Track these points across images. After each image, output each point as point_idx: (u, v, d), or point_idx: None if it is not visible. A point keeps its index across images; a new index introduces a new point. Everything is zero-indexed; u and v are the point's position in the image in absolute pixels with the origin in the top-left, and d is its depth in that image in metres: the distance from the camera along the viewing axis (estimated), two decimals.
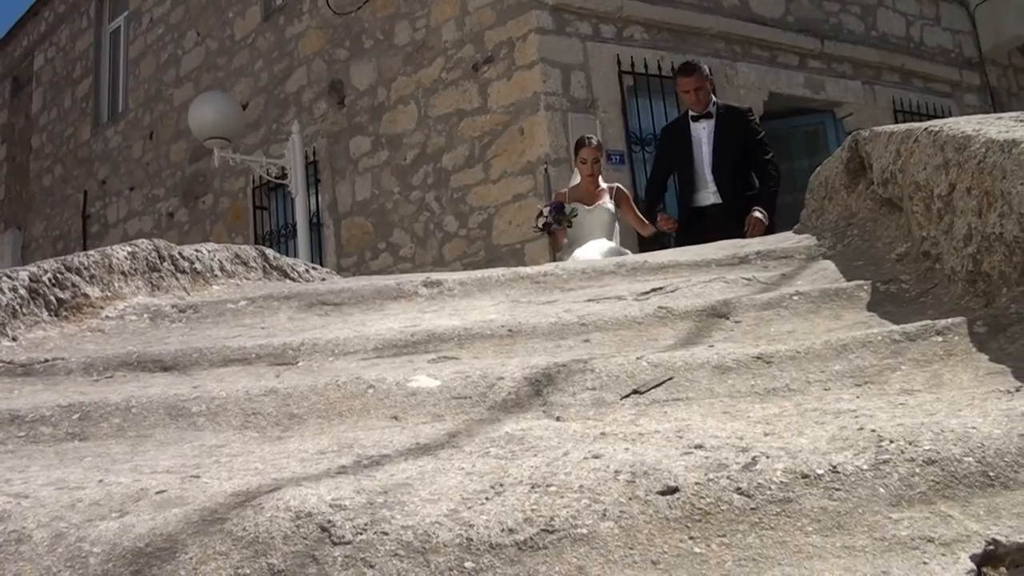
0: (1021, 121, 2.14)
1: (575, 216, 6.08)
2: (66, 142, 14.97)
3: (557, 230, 6.08)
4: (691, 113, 5.96)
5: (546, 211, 6.15)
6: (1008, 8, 10.88)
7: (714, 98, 6.03)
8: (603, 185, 6.24)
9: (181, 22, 12.34)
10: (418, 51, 8.76)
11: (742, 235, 5.46)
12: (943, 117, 10.08)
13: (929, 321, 1.76)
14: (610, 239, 6.08)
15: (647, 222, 6.12)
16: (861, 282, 2.30)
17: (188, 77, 12.09)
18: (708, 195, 5.88)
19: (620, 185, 6.39)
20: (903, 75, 10.29)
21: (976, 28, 11.21)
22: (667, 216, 5.97)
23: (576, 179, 6.31)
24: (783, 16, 9.39)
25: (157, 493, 1.24)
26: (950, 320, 1.71)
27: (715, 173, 5.83)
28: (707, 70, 6.04)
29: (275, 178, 9.42)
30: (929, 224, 2.27)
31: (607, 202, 6.13)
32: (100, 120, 14.26)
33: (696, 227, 5.77)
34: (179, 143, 11.98)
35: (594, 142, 6.21)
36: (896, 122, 9.67)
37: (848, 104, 9.74)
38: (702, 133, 5.93)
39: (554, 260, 6.12)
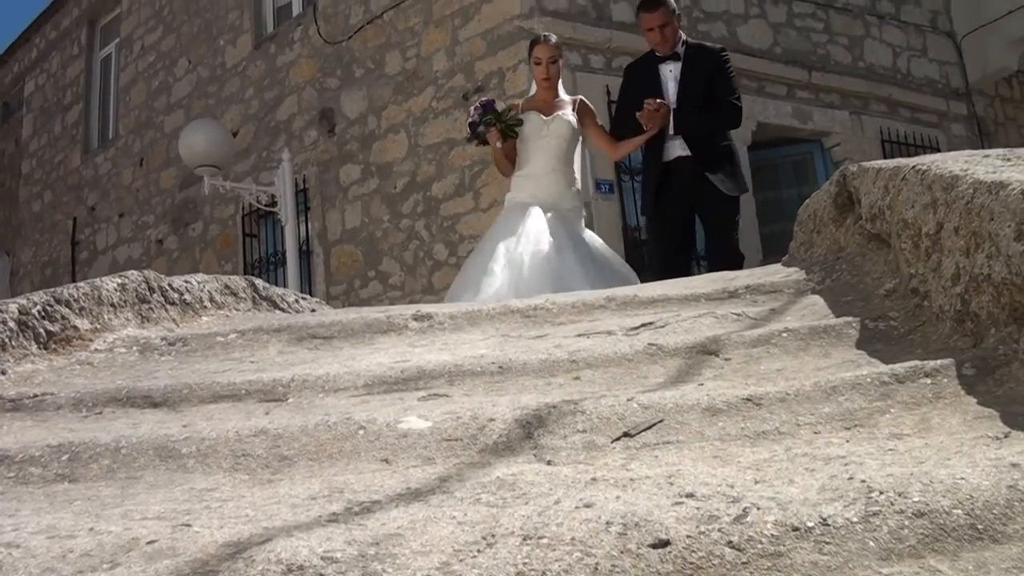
0: (1008, 160, 2.15)
1: (516, 122, 5.12)
2: (56, 168, 14.96)
3: (490, 134, 5.09)
4: (657, 53, 5.28)
5: (473, 111, 5.19)
6: (994, 39, 10.99)
7: (683, 36, 5.37)
8: (564, 96, 5.35)
9: (172, 50, 12.37)
10: (408, 80, 8.80)
11: (711, 192, 5.01)
12: (930, 147, 10.18)
13: (918, 362, 1.76)
14: (570, 161, 5.27)
15: (617, 142, 5.36)
16: (850, 319, 2.31)
17: (179, 104, 12.11)
18: (675, 147, 5.21)
19: (584, 98, 5.47)
20: (890, 105, 10.37)
21: (962, 59, 11.32)
22: (653, 103, 5.00)
23: (533, 89, 5.42)
24: (771, 47, 9.48)
25: (148, 543, 1.23)
26: (939, 362, 1.72)
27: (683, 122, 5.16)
28: (674, 5, 5.27)
29: (265, 206, 9.43)
30: (917, 262, 2.29)
31: (568, 113, 5.21)
32: (90, 146, 14.27)
33: (665, 188, 5.22)
34: (169, 170, 11.99)
35: (552, 39, 5.30)
36: (884, 152, 9.76)
37: (836, 134, 9.82)
38: (668, 76, 5.24)
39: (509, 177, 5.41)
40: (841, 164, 9.20)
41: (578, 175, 5.45)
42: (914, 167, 2.36)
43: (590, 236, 5.45)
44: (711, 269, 5.03)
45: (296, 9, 10.87)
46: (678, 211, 5.32)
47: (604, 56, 8.12)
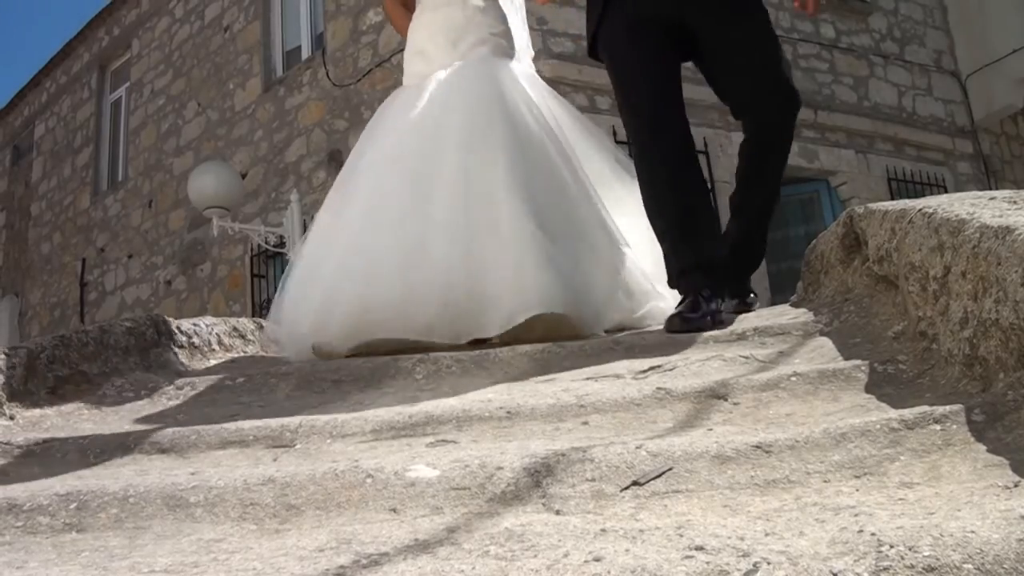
0: (1015, 203, 2.16)
1: None
2: (65, 210, 15.08)
3: None
4: None
5: None
6: (999, 78, 11.06)
7: None
8: None
9: (182, 93, 12.50)
10: None
11: None
12: (937, 185, 10.22)
13: (927, 407, 1.76)
14: None
15: None
16: (858, 362, 2.30)
17: (188, 147, 12.22)
18: None
19: None
20: (896, 144, 10.42)
21: (968, 98, 11.38)
22: None
23: None
24: None
25: None
26: (948, 408, 1.72)
27: None
28: None
29: (273, 247, 9.47)
30: (925, 304, 2.29)
31: None
32: (100, 188, 14.38)
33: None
34: (178, 211, 12.07)
35: None
36: (890, 190, 9.80)
37: (842, 173, 9.86)
38: None
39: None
40: (848, 203, 9.27)
41: (518, 29, 3.98)
42: (920, 210, 2.36)
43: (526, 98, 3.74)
44: (753, 155, 3.63)
45: (305, 53, 10.98)
46: (661, 33, 3.52)
47: (610, 98, 8.17)
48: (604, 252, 3.60)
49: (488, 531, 1.40)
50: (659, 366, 2.68)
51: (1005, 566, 1.04)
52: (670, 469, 1.60)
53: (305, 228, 9.32)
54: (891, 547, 1.09)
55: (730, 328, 3.08)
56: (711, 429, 1.96)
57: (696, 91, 8.73)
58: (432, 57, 3.82)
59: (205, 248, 11.41)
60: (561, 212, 3.53)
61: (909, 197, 7.20)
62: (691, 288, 3.31)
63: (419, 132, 3.62)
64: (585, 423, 2.13)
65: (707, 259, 3.37)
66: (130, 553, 1.49)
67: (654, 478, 1.58)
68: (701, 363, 2.65)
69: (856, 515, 1.30)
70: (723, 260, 3.47)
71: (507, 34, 3.90)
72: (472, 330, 3.29)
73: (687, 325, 3.13)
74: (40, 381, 2.94)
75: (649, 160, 3.51)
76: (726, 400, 2.17)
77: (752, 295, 3.76)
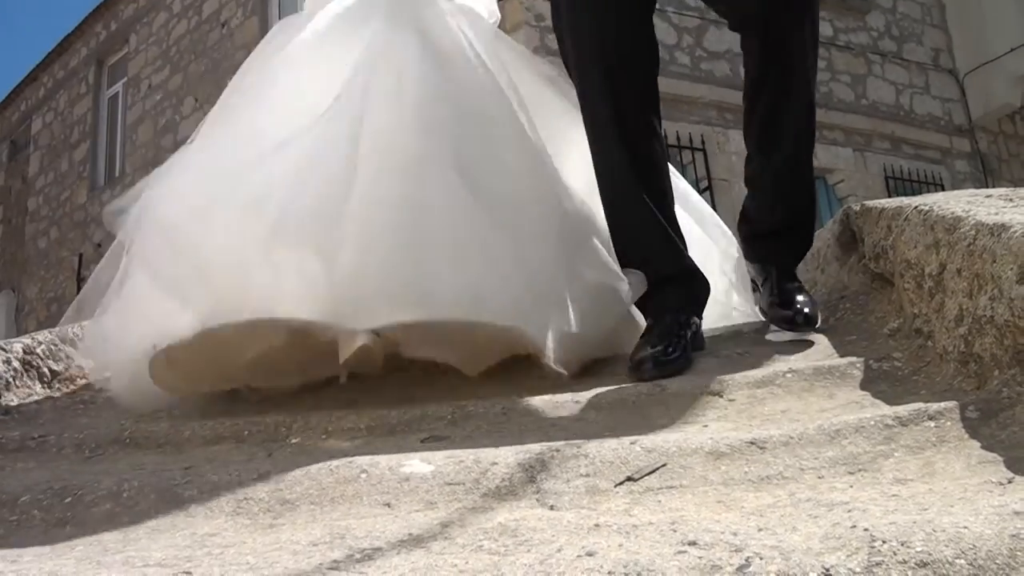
0: (1010, 201, 2.16)
1: None
2: (62, 205, 15.07)
3: None
4: None
5: None
6: (997, 76, 11.07)
7: None
8: None
9: (179, 88, 12.48)
10: None
11: None
12: (934, 183, 10.23)
13: (922, 404, 1.76)
14: None
15: None
16: (854, 359, 2.30)
17: (185, 142, 12.18)
18: None
19: None
20: (894, 142, 10.43)
21: (965, 96, 11.39)
22: None
23: None
24: None
25: None
26: (942, 404, 1.72)
27: None
28: None
29: None
30: (920, 302, 2.29)
31: None
32: (97, 184, 14.37)
33: None
34: None
35: None
36: (887, 188, 9.81)
37: (839, 171, 9.86)
38: None
39: None
40: (845, 200, 9.27)
41: None
42: (916, 207, 2.36)
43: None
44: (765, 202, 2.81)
45: None
46: None
47: None
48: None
49: (482, 526, 1.40)
50: None
51: (998, 561, 1.04)
52: (664, 465, 1.60)
53: None
54: (884, 542, 1.09)
55: (726, 324, 3.08)
56: (706, 425, 1.97)
57: (693, 88, 8.77)
58: None
59: None
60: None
61: (906, 195, 7.22)
62: (664, 309, 2.63)
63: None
64: (581, 419, 2.13)
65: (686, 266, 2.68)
66: (124, 548, 1.49)
67: (648, 474, 1.58)
68: (697, 359, 2.65)
69: (849, 511, 1.30)
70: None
71: None
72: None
73: (662, 370, 2.40)
74: (36, 376, 2.94)
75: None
76: (721, 396, 2.17)
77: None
